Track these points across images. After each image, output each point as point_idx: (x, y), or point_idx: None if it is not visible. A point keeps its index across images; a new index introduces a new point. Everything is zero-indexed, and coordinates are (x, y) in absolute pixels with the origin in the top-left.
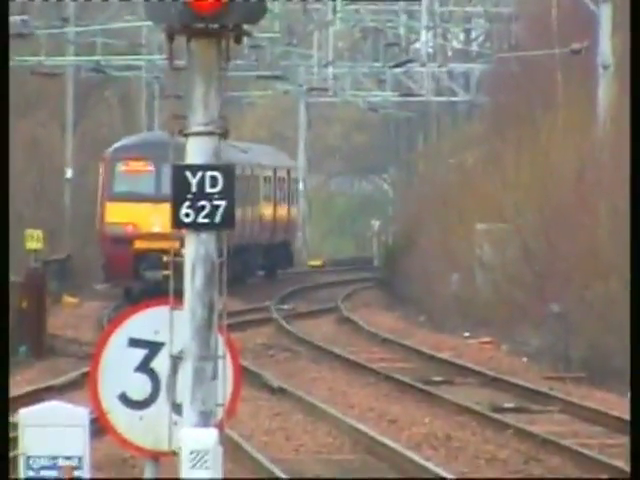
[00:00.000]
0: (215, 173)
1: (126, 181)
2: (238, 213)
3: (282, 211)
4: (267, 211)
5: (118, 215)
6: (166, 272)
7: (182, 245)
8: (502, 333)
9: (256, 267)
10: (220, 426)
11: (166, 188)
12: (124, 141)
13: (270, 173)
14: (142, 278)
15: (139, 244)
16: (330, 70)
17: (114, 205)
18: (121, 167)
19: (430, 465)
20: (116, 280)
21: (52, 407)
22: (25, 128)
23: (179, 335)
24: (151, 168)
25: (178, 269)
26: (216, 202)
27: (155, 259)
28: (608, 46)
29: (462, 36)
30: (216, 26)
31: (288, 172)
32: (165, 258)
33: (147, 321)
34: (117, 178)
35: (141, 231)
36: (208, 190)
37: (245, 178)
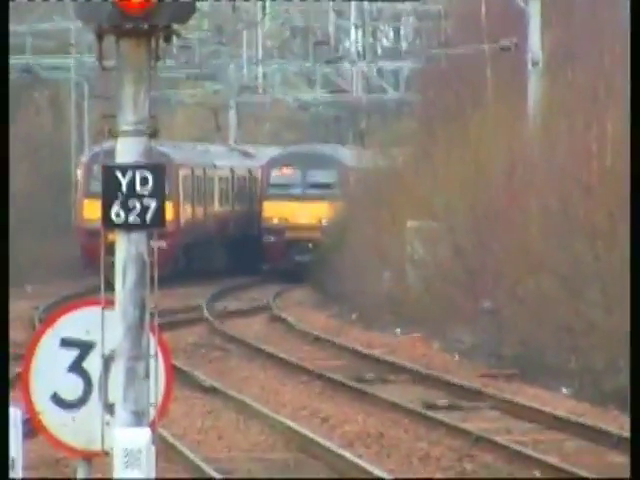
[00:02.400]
0: (145, 172)
1: (100, 181)
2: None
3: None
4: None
5: (94, 211)
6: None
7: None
8: (434, 330)
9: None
10: (152, 425)
11: None
12: (98, 148)
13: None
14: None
15: (112, 236)
16: (260, 69)
17: (90, 202)
18: (97, 169)
19: (362, 463)
20: (92, 267)
21: None
22: None
23: (111, 335)
24: None
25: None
26: (146, 202)
27: None
28: (537, 43)
29: (391, 34)
30: (145, 26)
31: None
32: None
33: (78, 321)
34: (93, 179)
35: None
36: (139, 190)
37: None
